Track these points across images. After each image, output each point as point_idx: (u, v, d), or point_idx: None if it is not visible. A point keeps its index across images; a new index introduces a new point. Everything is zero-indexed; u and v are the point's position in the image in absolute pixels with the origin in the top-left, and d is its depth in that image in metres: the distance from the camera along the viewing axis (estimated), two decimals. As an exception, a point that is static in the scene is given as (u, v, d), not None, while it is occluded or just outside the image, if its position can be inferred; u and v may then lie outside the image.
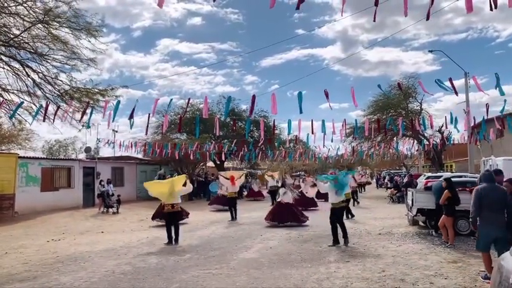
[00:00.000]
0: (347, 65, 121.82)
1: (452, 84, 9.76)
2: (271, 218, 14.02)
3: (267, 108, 31.20)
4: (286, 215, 13.84)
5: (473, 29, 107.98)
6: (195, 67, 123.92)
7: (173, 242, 10.65)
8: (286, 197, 14.30)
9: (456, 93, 9.91)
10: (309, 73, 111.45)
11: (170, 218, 10.95)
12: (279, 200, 14.47)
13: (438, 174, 19.34)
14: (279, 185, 21.84)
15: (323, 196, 21.21)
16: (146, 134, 17.56)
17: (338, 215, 10.26)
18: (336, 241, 9.95)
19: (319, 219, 14.71)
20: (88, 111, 13.23)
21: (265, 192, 27.77)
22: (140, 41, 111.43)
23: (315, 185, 13.88)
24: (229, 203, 16.52)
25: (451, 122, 13.90)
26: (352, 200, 17.96)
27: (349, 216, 15.42)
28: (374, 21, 6.49)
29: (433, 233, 10.92)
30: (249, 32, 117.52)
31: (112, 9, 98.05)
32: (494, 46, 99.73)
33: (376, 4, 6.19)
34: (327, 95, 10.38)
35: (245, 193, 30.05)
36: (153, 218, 14.87)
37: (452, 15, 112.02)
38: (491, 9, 5.93)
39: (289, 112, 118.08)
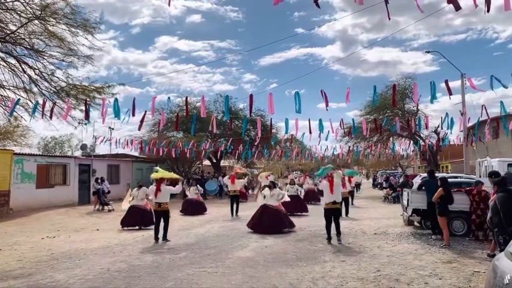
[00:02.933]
0: (346, 64, 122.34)
1: (447, 85, 9.80)
2: (252, 225, 12.21)
3: (264, 107, 31.21)
4: (270, 223, 11.88)
5: (472, 30, 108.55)
6: (194, 65, 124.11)
7: (159, 240, 10.60)
8: (273, 199, 12.44)
9: (450, 93, 9.95)
10: (308, 72, 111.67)
11: (157, 216, 10.94)
12: (263, 203, 12.44)
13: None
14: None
15: (313, 198, 21.05)
16: (139, 129, 17.35)
17: (331, 215, 10.33)
18: (328, 238, 10.26)
19: (314, 218, 14.73)
20: (85, 108, 13.21)
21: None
22: (139, 38, 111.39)
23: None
24: (231, 201, 16.83)
25: (448, 125, 13.98)
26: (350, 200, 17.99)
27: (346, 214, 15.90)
28: (389, 19, 6.41)
29: (432, 236, 10.57)
30: (249, 30, 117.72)
31: (111, 5, 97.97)
32: (494, 47, 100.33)
33: (387, 1, 6.14)
34: (323, 95, 10.39)
35: (250, 191, 29.78)
36: (122, 225, 13.30)
37: (452, 16, 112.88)
38: (487, 11, 5.93)
39: (287, 111, 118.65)
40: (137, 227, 13.15)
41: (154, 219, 11.30)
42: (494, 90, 9.64)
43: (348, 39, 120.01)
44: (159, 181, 11.12)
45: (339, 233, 10.27)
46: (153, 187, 11.14)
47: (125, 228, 13.14)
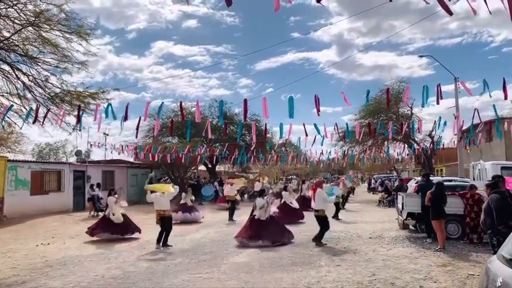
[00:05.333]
0: (342, 68, 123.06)
1: (439, 90, 9.86)
2: (244, 235, 10.84)
3: (260, 112, 31.24)
4: (262, 232, 10.63)
5: (468, 33, 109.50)
6: (190, 70, 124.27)
7: (161, 245, 10.57)
8: (263, 211, 11.06)
9: (440, 97, 10.00)
10: (303, 77, 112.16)
11: (164, 223, 10.87)
12: (254, 215, 11.17)
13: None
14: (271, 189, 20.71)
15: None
16: (136, 137, 17.48)
17: (318, 221, 10.79)
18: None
19: (310, 223, 14.73)
20: (78, 113, 13.17)
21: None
22: (134, 43, 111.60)
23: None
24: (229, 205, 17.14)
25: (439, 126, 14.07)
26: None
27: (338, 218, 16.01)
28: None
29: (427, 240, 10.62)
30: (245, 35, 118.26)
31: (107, 10, 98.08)
32: (488, 51, 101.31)
33: None
34: (316, 100, 10.39)
35: (245, 197, 29.64)
36: (92, 234, 12.08)
37: (447, 20, 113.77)
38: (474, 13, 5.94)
39: (282, 116, 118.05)
40: (109, 237, 12.01)
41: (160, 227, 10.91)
42: (489, 94, 9.71)
43: (343, 44, 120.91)
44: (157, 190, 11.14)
45: (318, 238, 10.58)
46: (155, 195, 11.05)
47: (96, 237, 12.04)
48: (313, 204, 10.90)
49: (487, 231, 7.10)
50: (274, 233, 10.82)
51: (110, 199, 12.58)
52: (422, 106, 9.81)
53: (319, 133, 14.73)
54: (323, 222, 10.77)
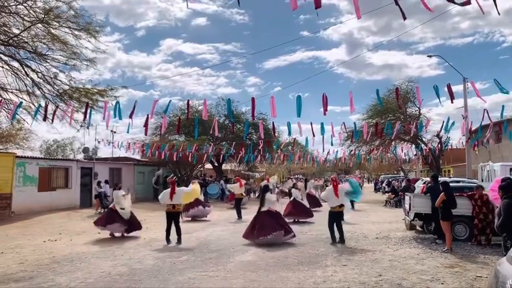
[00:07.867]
0: (351, 68, 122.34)
1: (450, 90, 9.77)
2: (250, 234, 10.79)
3: (267, 111, 31.24)
4: (270, 227, 10.47)
5: (479, 33, 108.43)
6: (198, 68, 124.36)
7: (169, 242, 10.78)
8: (274, 205, 11.26)
9: (452, 100, 9.90)
10: (311, 75, 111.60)
11: (170, 218, 11.03)
12: (264, 209, 11.01)
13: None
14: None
15: (317, 204, 20.57)
16: (146, 134, 17.55)
17: (336, 218, 10.82)
18: (333, 239, 10.71)
19: (316, 222, 14.71)
20: (86, 110, 13.23)
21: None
22: (144, 40, 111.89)
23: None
24: (236, 203, 17.32)
25: (447, 127, 13.97)
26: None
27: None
28: (404, 19, 6.18)
29: (436, 240, 10.45)
30: (254, 33, 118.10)
31: (116, 7, 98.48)
32: (500, 51, 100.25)
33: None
34: (324, 99, 10.34)
35: (252, 195, 29.61)
36: (97, 224, 12.29)
37: (459, 19, 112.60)
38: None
39: (290, 114, 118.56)
40: (111, 234, 12.19)
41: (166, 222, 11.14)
42: (502, 93, 9.59)
43: (353, 42, 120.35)
44: (173, 184, 11.17)
45: (342, 240, 10.66)
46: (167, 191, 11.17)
47: (100, 228, 12.16)
48: (338, 200, 10.79)
49: (502, 234, 6.93)
50: (278, 229, 10.65)
51: (116, 193, 12.64)
52: (440, 103, 9.86)
53: (323, 133, 14.68)
54: (341, 218, 11.13)
